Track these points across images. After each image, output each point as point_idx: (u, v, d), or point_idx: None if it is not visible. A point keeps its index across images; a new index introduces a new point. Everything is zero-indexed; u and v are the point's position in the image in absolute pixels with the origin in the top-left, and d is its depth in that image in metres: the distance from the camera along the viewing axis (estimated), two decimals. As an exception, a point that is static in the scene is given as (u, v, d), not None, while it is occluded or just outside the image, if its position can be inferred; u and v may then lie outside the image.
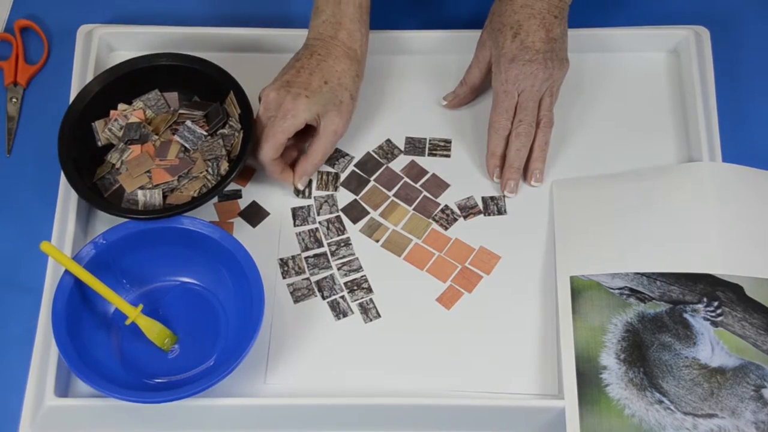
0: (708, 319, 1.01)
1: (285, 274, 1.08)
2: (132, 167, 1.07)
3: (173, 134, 1.09)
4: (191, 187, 1.07)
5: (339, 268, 1.08)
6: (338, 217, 1.11)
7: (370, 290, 1.07)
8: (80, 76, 1.16)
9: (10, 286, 1.08)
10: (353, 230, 1.10)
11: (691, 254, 1.04)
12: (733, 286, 1.02)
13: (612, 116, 1.17)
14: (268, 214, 1.11)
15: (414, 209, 1.12)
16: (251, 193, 1.12)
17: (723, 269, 1.03)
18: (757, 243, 1.05)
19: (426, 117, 1.17)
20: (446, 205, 1.12)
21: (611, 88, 1.18)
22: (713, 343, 1.00)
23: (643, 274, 1.04)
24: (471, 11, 1.21)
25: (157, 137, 1.09)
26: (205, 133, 1.09)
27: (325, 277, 1.08)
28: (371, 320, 1.06)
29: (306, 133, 1.10)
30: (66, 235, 1.07)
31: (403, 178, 1.14)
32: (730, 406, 0.97)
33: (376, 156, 1.15)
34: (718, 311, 1.02)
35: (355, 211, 1.12)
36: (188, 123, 1.09)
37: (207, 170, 1.08)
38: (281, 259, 1.08)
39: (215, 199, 1.12)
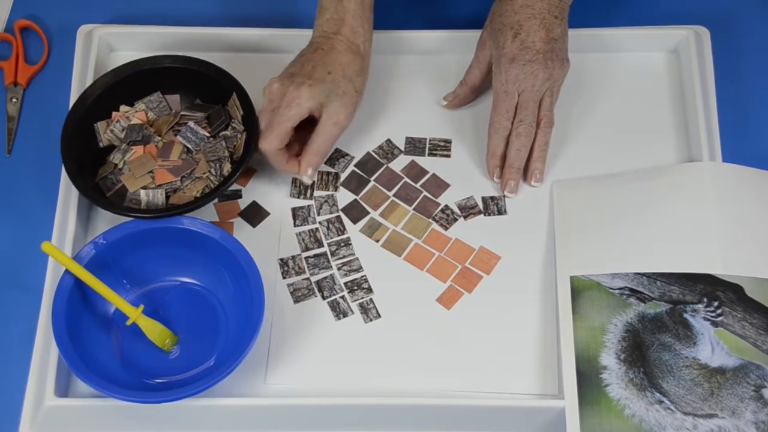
0: (708, 319, 1.01)
1: (285, 274, 1.08)
2: (135, 167, 1.07)
3: (176, 135, 1.10)
4: (194, 188, 1.07)
5: (339, 268, 1.08)
6: (338, 217, 1.11)
7: (370, 290, 1.07)
8: (80, 76, 1.16)
9: (10, 286, 1.08)
10: (353, 230, 1.10)
11: (691, 254, 1.04)
12: (733, 286, 1.02)
13: (612, 116, 1.17)
14: (268, 214, 1.11)
15: (414, 209, 1.12)
16: (251, 193, 1.12)
17: (723, 269, 1.03)
18: (757, 243, 1.05)
19: (426, 117, 1.17)
20: (446, 205, 1.12)
21: (611, 88, 1.18)
22: (713, 343, 1.00)
23: (643, 274, 1.04)
24: (471, 11, 1.21)
25: (159, 139, 1.09)
26: (208, 135, 1.09)
27: (325, 277, 1.08)
28: (371, 320, 1.06)
29: (309, 130, 1.10)
30: (66, 235, 1.07)
31: (403, 178, 1.14)
32: (730, 406, 0.97)
33: (376, 156, 1.15)
34: (718, 311, 1.02)
35: (355, 211, 1.12)
36: (191, 124, 1.09)
37: (210, 171, 1.08)
38: (281, 259, 1.08)
39: (215, 199, 1.12)
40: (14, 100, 1.18)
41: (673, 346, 1.00)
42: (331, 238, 1.10)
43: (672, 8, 1.23)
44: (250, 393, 1.01)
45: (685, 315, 1.02)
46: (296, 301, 1.06)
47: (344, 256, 1.09)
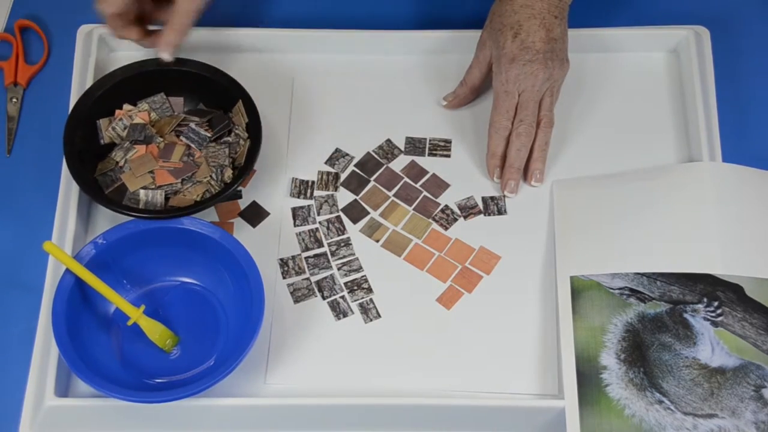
0: (708, 319, 1.01)
1: (285, 274, 1.08)
2: (135, 167, 1.07)
3: (178, 137, 1.09)
4: (194, 192, 1.07)
5: (339, 268, 1.08)
6: (338, 217, 1.11)
7: (370, 290, 1.07)
8: (80, 76, 1.16)
9: (10, 286, 1.08)
10: (353, 230, 1.10)
11: (691, 254, 1.04)
12: (733, 286, 1.02)
13: (612, 116, 1.17)
14: (268, 214, 1.11)
15: (414, 209, 1.12)
16: (251, 193, 1.12)
17: (723, 269, 1.03)
18: (757, 243, 1.05)
19: (426, 117, 1.17)
20: (446, 205, 1.12)
21: (611, 88, 1.18)
22: (713, 343, 1.00)
23: (643, 274, 1.04)
24: (471, 11, 1.21)
25: (161, 139, 1.09)
26: (210, 136, 1.09)
27: (326, 277, 1.08)
28: (371, 320, 1.06)
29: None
30: (66, 235, 1.07)
31: (403, 178, 1.14)
32: (730, 406, 0.97)
33: (376, 156, 1.15)
34: (718, 311, 1.02)
35: (355, 211, 1.12)
36: (192, 125, 1.10)
37: (211, 176, 1.08)
38: (281, 259, 1.08)
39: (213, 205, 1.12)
40: (14, 100, 1.18)
41: (673, 346, 1.00)
42: (331, 238, 1.10)
43: (672, 8, 1.23)
44: (250, 393, 1.01)
45: (685, 315, 1.02)
46: (296, 301, 1.06)
47: (344, 256, 1.09)
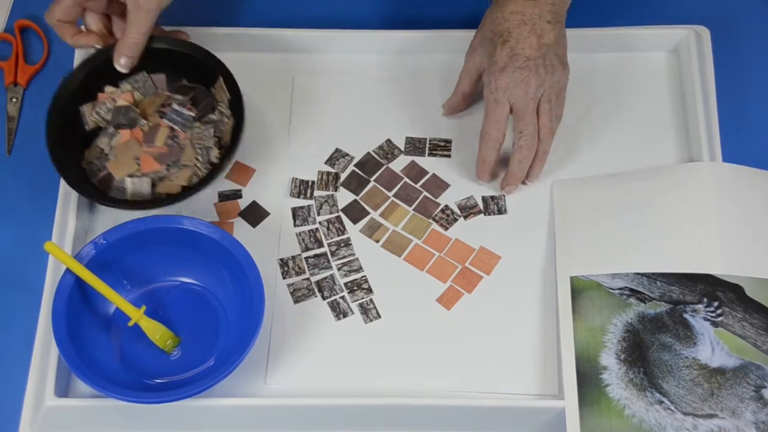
0: (708, 320, 1.01)
1: (285, 274, 1.08)
2: (120, 153, 1.06)
3: (161, 118, 1.08)
4: (181, 176, 1.06)
5: (339, 269, 1.08)
6: (338, 217, 1.11)
7: (370, 290, 1.07)
8: (80, 76, 1.16)
9: (10, 286, 1.08)
10: (353, 230, 1.10)
11: (691, 254, 1.04)
12: (733, 286, 1.02)
13: (612, 116, 1.17)
14: (268, 214, 1.11)
15: (414, 209, 1.12)
16: (251, 193, 1.12)
17: (723, 269, 1.03)
18: (757, 243, 1.05)
19: (426, 117, 1.17)
20: (446, 205, 1.12)
21: (612, 87, 1.18)
22: (713, 344, 1.00)
23: (643, 275, 1.04)
24: (471, 12, 1.21)
25: (145, 122, 1.08)
26: (194, 115, 1.08)
27: (326, 278, 1.08)
28: (371, 320, 1.06)
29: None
30: (66, 235, 1.07)
31: (403, 178, 1.13)
32: (730, 406, 0.97)
33: (376, 156, 1.15)
34: (718, 311, 1.02)
35: (355, 212, 1.12)
36: (175, 105, 1.08)
37: (197, 158, 1.07)
38: (281, 259, 1.08)
39: (216, 199, 1.11)
40: (14, 100, 1.18)
41: (673, 347, 1.00)
42: (331, 238, 1.10)
43: (672, 8, 1.23)
44: (250, 393, 1.01)
45: (685, 315, 1.02)
46: (296, 301, 1.06)
47: (344, 257, 1.09)
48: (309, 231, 1.10)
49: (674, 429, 0.96)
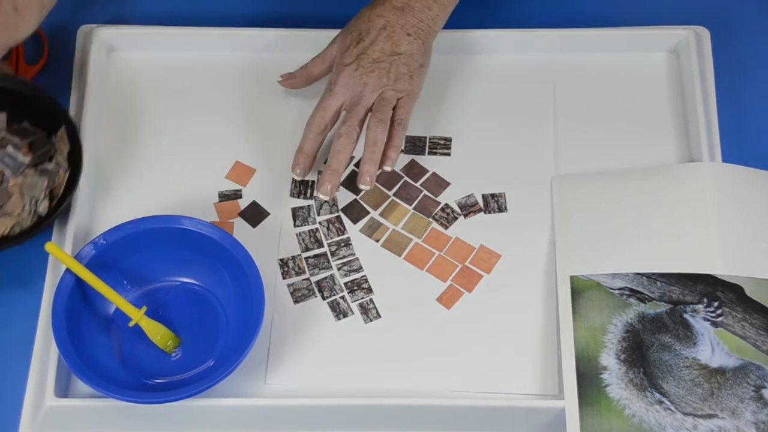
0: (708, 320, 1.01)
1: (285, 275, 1.08)
2: None
3: None
4: (2, 225, 1.01)
5: (339, 269, 1.08)
6: (338, 217, 1.11)
7: (370, 290, 1.07)
8: (80, 77, 1.16)
9: (10, 286, 1.08)
10: (353, 230, 1.10)
11: (691, 254, 1.04)
12: (733, 287, 1.02)
13: (612, 116, 1.16)
14: (268, 214, 1.11)
15: (414, 208, 1.12)
16: (251, 193, 1.12)
17: (723, 269, 1.03)
18: (757, 243, 1.05)
19: (426, 115, 1.16)
20: (446, 204, 1.12)
21: (611, 88, 1.18)
22: (713, 344, 1.00)
23: (643, 275, 1.04)
24: (468, 11, 1.21)
25: None
26: (27, 162, 1.04)
27: (325, 278, 1.08)
28: (371, 320, 1.06)
29: None
30: (66, 235, 1.07)
31: (403, 177, 1.13)
32: (730, 406, 0.97)
33: (376, 156, 1.15)
34: (718, 311, 1.02)
35: (355, 211, 1.12)
36: (10, 148, 1.04)
37: (23, 207, 1.03)
38: (281, 260, 1.08)
39: (216, 199, 1.11)
40: (14, 99, 1.18)
41: (673, 347, 1.00)
42: (331, 238, 1.10)
43: (672, 8, 1.23)
44: (250, 393, 1.01)
45: (685, 315, 1.02)
46: (296, 301, 1.06)
47: (344, 256, 1.09)
48: (309, 231, 1.10)
49: (674, 429, 0.97)
